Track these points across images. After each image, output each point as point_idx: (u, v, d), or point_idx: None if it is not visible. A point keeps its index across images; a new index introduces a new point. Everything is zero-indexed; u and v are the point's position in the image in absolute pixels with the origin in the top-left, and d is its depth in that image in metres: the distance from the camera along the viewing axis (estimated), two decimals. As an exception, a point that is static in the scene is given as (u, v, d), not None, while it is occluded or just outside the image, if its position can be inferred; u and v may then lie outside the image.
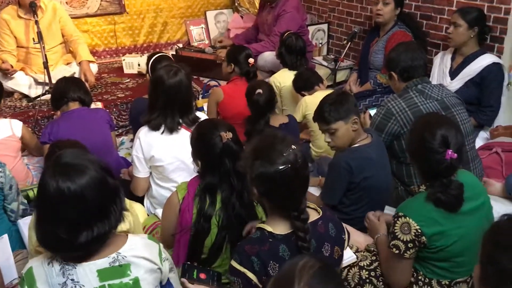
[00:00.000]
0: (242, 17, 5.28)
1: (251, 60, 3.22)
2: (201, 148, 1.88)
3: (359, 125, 2.28)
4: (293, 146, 1.47)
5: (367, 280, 1.96)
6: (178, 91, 2.34)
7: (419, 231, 1.70)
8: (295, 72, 3.47)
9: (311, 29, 4.83)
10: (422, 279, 1.84)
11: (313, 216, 1.56)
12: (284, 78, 3.53)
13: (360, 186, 2.25)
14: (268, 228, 1.50)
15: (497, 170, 2.96)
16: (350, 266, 1.99)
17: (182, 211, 1.86)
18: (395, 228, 1.75)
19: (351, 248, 2.08)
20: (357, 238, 2.17)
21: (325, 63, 4.66)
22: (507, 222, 1.20)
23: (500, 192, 2.84)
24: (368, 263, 2.00)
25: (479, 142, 3.18)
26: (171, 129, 2.37)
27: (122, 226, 1.62)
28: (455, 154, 1.67)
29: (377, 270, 1.96)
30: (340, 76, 4.59)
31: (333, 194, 2.30)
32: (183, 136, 2.35)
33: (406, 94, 2.59)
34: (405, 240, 1.72)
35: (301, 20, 4.33)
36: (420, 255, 1.79)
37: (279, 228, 1.51)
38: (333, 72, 4.42)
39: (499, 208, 2.74)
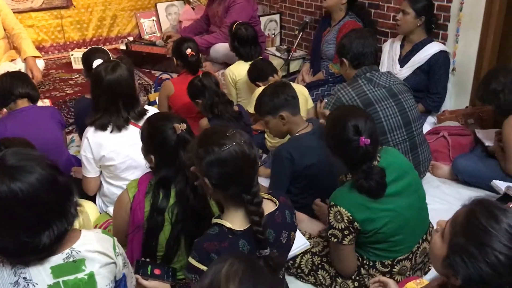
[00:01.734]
0: (193, 8, 5.22)
1: (188, 51, 3.15)
2: (154, 142, 1.85)
3: (300, 116, 2.35)
4: (235, 131, 1.49)
5: (320, 266, 2.00)
6: (119, 86, 2.27)
7: (351, 217, 1.76)
8: (250, 62, 3.46)
9: (263, 20, 4.83)
10: (367, 263, 1.90)
11: (270, 207, 1.56)
12: (239, 71, 3.51)
13: (304, 174, 2.27)
14: (227, 224, 1.49)
15: (445, 154, 3.08)
16: (303, 253, 2.03)
17: (133, 210, 1.83)
18: (330, 217, 1.82)
19: (304, 235, 2.11)
20: (310, 225, 2.21)
21: (278, 54, 4.68)
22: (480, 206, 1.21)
23: (448, 175, 2.95)
24: (320, 249, 2.04)
25: (427, 127, 3.28)
26: (119, 127, 2.31)
27: (72, 224, 1.58)
28: (368, 140, 1.76)
29: (329, 255, 2.00)
30: (294, 66, 4.62)
31: (279, 184, 2.32)
32: (132, 133, 2.30)
33: (355, 82, 2.64)
34: (340, 228, 1.79)
35: (252, 10, 4.31)
36: (359, 240, 1.86)
37: (237, 222, 1.49)
38: (286, 62, 4.46)
39: (447, 189, 2.86)
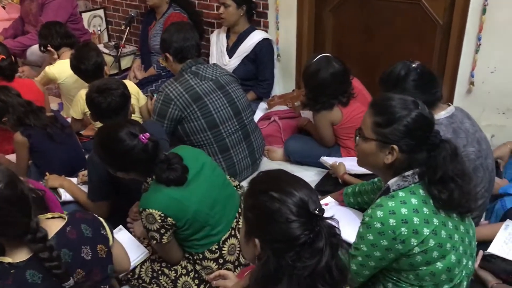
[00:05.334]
0: (4, 7, 4.69)
1: None
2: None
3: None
4: None
5: (160, 272, 1.96)
6: None
7: (162, 215, 1.76)
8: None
9: (85, 16, 4.53)
10: (197, 257, 1.92)
11: (57, 225, 1.44)
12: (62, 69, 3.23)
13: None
14: (6, 259, 1.33)
15: (278, 137, 3.20)
16: (142, 262, 1.95)
17: None
18: (143, 222, 1.80)
19: (142, 242, 2.03)
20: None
21: (107, 51, 4.43)
22: (262, 174, 1.30)
23: (282, 157, 3.08)
24: (159, 255, 1.98)
25: (259, 114, 3.39)
26: None
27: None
28: (147, 134, 1.79)
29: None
30: (125, 62, 4.43)
31: (98, 191, 2.19)
32: None
33: (182, 77, 2.60)
34: (155, 229, 1.79)
35: (71, 7, 4.01)
36: (180, 237, 1.88)
37: (19, 255, 1.35)
38: (116, 59, 4.24)
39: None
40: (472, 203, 1.56)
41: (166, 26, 3.63)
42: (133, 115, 2.72)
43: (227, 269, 1.95)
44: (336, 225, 1.21)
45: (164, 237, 1.80)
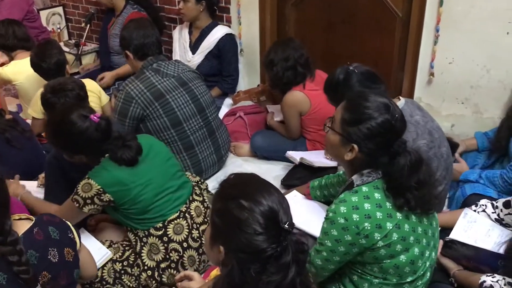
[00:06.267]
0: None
1: None
2: None
3: None
4: None
5: (122, 271, 1.94)
6: None
7: (101, 190, 1.83)
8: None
9: (43, 13, 4.41)
10: (142, 234, 1.95)
11: (25, 226, 1.40)
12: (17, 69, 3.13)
13: None
14: None
15: (244, 133, 3.19)
16: (104, 264, 1.92)
17: None
18: (78, 187, 1.86)
19: (104, 243, 2.00)
20: (113, 232, 2.10)
21: (67, 49, 4.31)
22: (233, 177, 1.27)
23: (248, 152, 3.07)
24: (120, 255, 1.97)
25: (225, 110, 3.37)
26: None
27: None
28: (98, 113, 1.87)
29: (130, 258, 1.96)
30: (87, 61, 4.35)
31: (54, 192, 2.15)
32: None
33: (143, 75, 2.55)
34: (84, 196, 1.85)
35: (27, 4, 3.88)
36: (122, 214, 1.91)
37: None
38: (77, 57, 4.16)
39: (249, 166, 2.98)
40: (433, 207, 1.57)
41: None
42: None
43: (190, 256, 1.96)
44: (305, 241, 1.18)
45: (86, 207, 1.85)
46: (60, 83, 2.19)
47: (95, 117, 1.84)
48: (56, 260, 1.42)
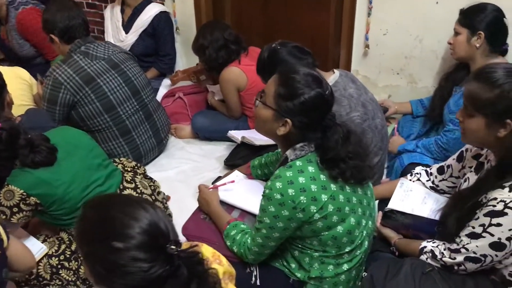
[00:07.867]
0: None
1: None
2: None
3: None
4: None
5: (59, 266, 1.87)
6: None
7: (24, 194, 1.73)
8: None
9: None
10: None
11: None
12: None
13: None
14: None
15: (185, 114, 3.12)
16: (40, 259, 1.84)
17: None
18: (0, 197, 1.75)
19: (38, 238, 1.91)
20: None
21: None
22: (91, 210, 1.10)
23: (190, 134, 3.02)
24: (56, 249, 1.89)
25: (163, 91, 3.27)
26: None
27: None
28: None
29: (66, 252, 1.88)
30: None
31: None
32: None
33: (70, 59, 2.42)
34: (9, 205, 1.74)
35: None
36: (51, 216, 1.83)
37: None
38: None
39: (191, 148, 2.93)
40: (367, 177, 1.59)
41: (20, 28, 3.19)
42: (27, 103, 2.51)
43: None
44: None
45: (14, 216, 1.76)
46: None
47: None
48: None
